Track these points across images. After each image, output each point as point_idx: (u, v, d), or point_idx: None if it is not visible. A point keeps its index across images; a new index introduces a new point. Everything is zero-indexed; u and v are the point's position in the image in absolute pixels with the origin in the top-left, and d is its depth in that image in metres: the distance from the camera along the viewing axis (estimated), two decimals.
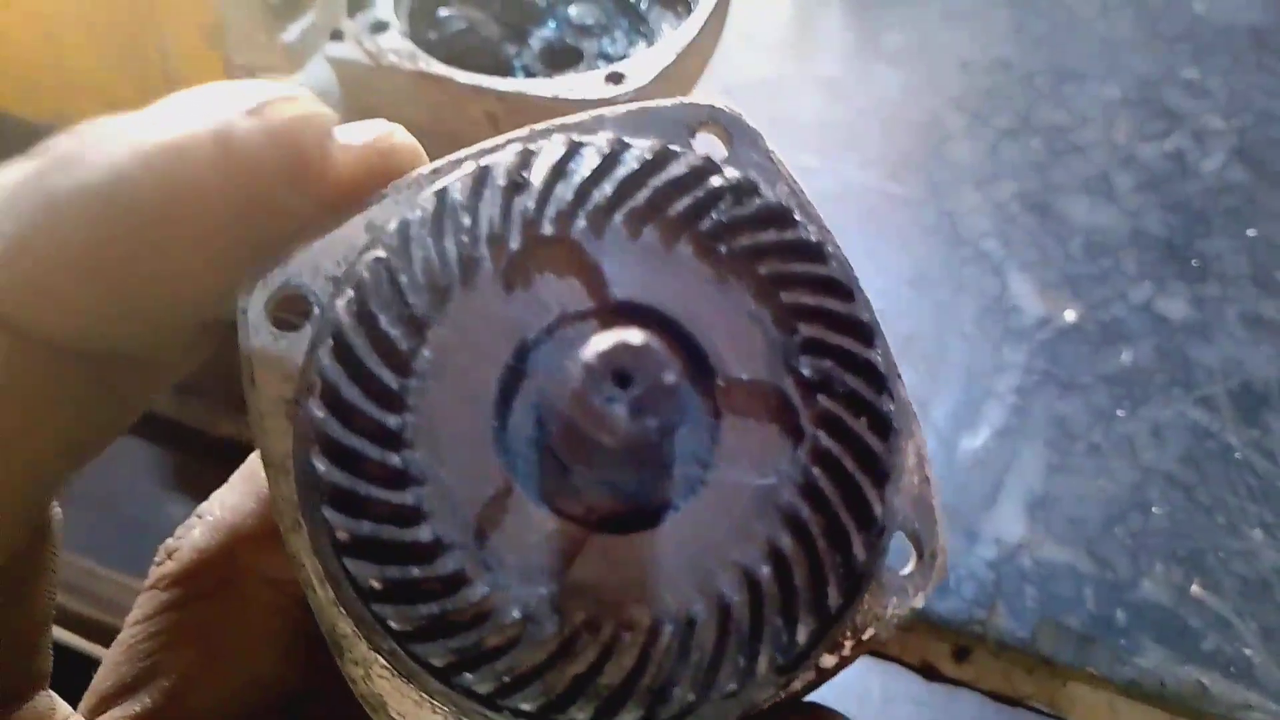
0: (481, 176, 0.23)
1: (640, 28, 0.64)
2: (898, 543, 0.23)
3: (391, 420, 0.21)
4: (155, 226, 0.19)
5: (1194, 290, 0.72)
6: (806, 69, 0.90)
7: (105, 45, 0.58)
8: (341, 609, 0.21)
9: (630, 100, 0.55)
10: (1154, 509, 0.60)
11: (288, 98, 0.21)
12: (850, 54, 0.91)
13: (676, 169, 0.24)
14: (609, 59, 0.61)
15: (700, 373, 0.23)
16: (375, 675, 0.21)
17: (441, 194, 0.23)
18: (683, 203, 0.23)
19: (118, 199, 0.19)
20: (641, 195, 0.23)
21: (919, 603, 0.23)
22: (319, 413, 0.21)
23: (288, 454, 0.22)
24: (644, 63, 0.55)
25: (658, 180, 0.23)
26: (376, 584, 0.21)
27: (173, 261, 0.20)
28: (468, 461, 0.22)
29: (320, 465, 0.21)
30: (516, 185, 0.23)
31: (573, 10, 0.64)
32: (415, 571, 0.21)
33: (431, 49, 0.56)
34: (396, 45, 0.54)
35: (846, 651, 0.23)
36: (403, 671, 0.21)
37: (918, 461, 0.24)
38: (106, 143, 0.19)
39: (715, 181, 0.24)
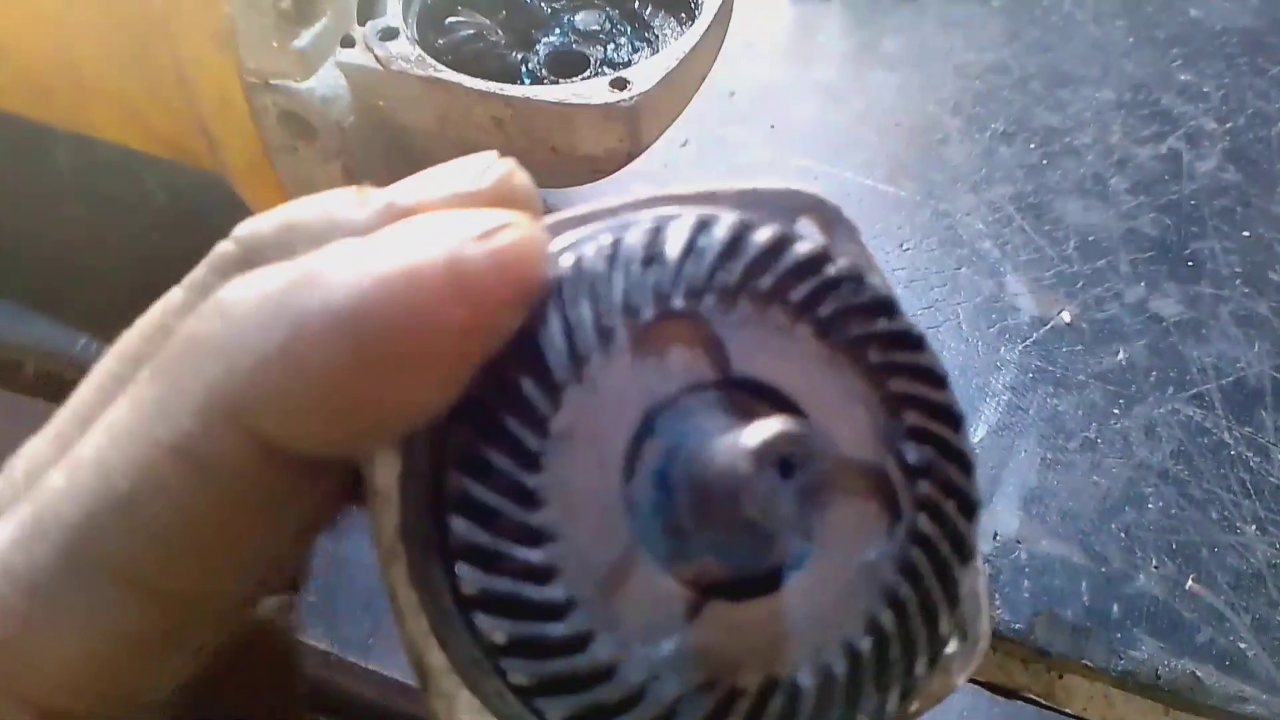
0: (616, 247, 0.24)
1: (644, 34, 0.65)
2: None
3: (529, 480, 0.22)
4: (392, 349, 0.20)
5: (1188, 290, 0.73)
6: (806, 74, 0.91)
7: (117, 50, 0.58)
8: (435, 640, 0.22)
9: (634, 102, 0.56)
10: (1148, 504, 0.61)
11: (511, 224, 0.22)
12: (848, 60, 0.93)
13: (797, 254, 0.25)
14: (614, 65, 0.62)
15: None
16: (460, 710, 0.22)
17: (578, 263, 0.24)
18: (803, 288, 0.25)
19: (360, 322, 0.20)
20: (766, 278, 0.24)
21: (960, 681, 0.24)
22: (455, 477, 0.22)
23: (393, 484, 0.23)
24: (648, 69, 0.56)
25: (780, 264, 0.25)
26: (502, 639, 0.21)
27: (407, 382, 0.21)
28: (598, 522, 0.22)
29: (456, 523, 0.22)
30: (650, 259, 0.24)
31: (579, 18, 0.65)
32: (546, 629, 0.21)
33: (439, 55, 0.57)
34: (406, 52, 0.55)
35: None
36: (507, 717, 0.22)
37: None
38: (347, 265, 0.20)
39: (831, 270, 0.25)
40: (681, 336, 0.24)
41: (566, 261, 0.24)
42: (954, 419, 0.25)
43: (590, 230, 0.25)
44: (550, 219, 0.26)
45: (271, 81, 0.52)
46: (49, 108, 0.68)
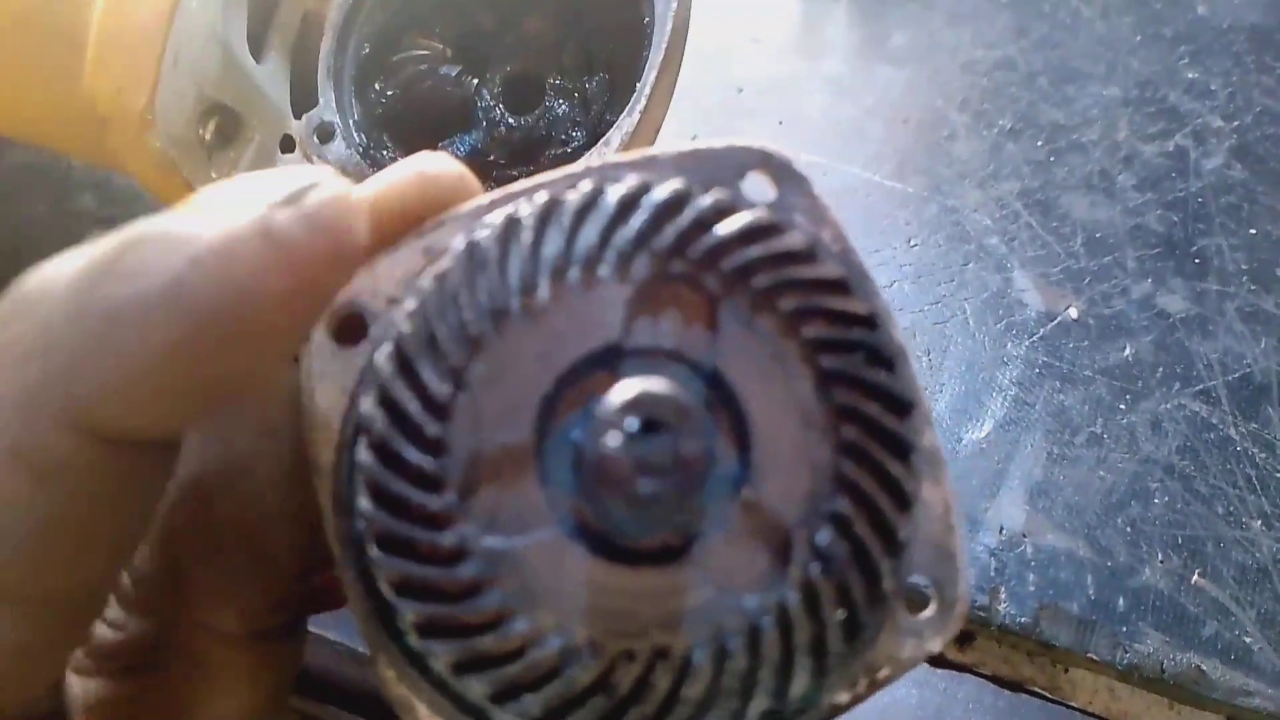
0: (511, 223, 0.24)
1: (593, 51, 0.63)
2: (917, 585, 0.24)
3: (430, 463, 0.22)
4: (216, 326, 0.20)
5: (1194, 286, 0.73)
6: (813, 69, 0.91)
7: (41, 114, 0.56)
8: (379, 624, 0.23)
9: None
10: (1154, 499, 0.61)
11: (315, 183, 0.22)
12: (856, 55, 0.93)
13: (694, 211, 0.24)
14: (566, 92, 0.60)
15: (728, 405, 0.24)
16: (405, 674, 0.22)
17: (472, 245, 0.24)
18: (702, 244, 0.24)
19: (179, 305, 0.19)
20: (662, 238, 0.24)
21: (935, 647, 0.24)
22: (363, 456, 0.22)
23: (332, 465, 0.24)
24: (619, 128, 0.53)
25: (676, 223, 0.24)
26: (418, 620, 0.21)
27: (235, 355, 0.20)
28: (503, 480, 0.22)
29: (364, 504, 0.22)
30: (538, 235, 0.24)
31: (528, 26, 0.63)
32: (458, 610, 0.21)
33: (389, 105, 0.55)
34: (343, 156, 0.54)
35: (861, 689, 0.24)
36: (445, 697, 0.22)
37: (944, 511, 0.25)
38: (157, 247, 0.20)
39: (732, 224, 0.24)
40: (578, 306, 0.23)
41: (461, 240, 0.24)
42: (865, 320, 0.24)
43: (520, 204, 0.25)
44: (493, 193, 0.26)
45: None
46: None
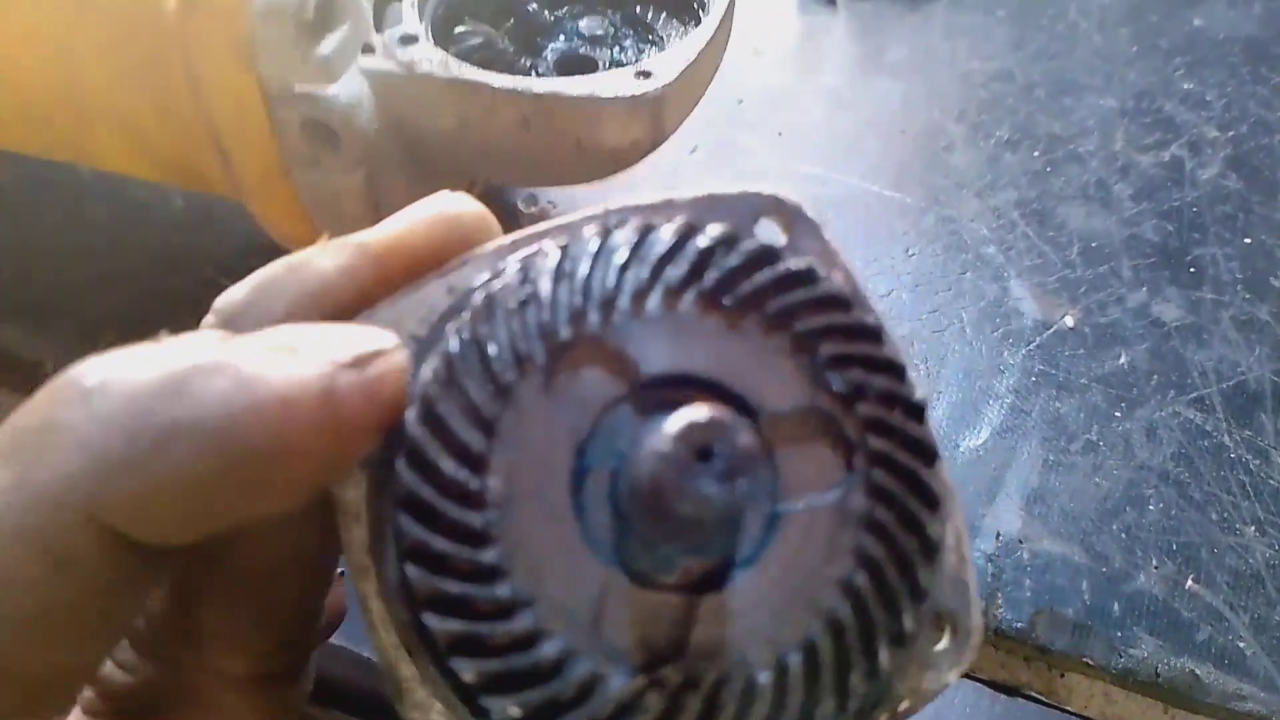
0: (527, 268, 0.24)
1: (649, 36, 0.67)
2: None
3: (469, 480, 0.22)
4: (256, 471, 0.21)
5: (1189, 295, 0.74)
6: (812, 81, 0.92)
7: (125, 70, 0.55)
8: (405, 652, 0.23)
9: (659, 92, 0.57)
10: (1149, 505, 0.62)
11: (383, 351, 0.22)
12: (854, 67, 0.94)
13: (696, 245, 0.25)
14: (621, 66, 0.64)
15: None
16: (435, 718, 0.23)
17: (490, 298, 0.24)
18: (711, 274, 0.24)
19: (228, 442, 0.20)
20: (670, 273, 0.24)
21: (952, 678, 0.25)
22: (405, 475, 0.22)
23: (361, 501, 0.24)
24: (668, 62, 0.57)
25: (679, 258, 0.25)
26: (449, 638, 0.22)
27: (261, 496, 0.21)
28: (546, 531, 0.22)
29: (402, 522, 0.22)
30: (526, 297, 0.24)
31: (582, 23, 0.66)
32: (492, 627, 0.22)
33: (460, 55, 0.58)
34: (429, 54, 0.56)
35: None
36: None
37: (956, 542, 0.25)
38: (225, 382, 0.20)
39: (733, 253, 0.24)
40: (584, 360, 0.23)
41: (480, 291, 0.24)
42: (910, 405, 0.25)
43: (523, 253, 0.25)
44: (516, 234, 0.26)
45: (295, 90, 0.53)
46: (48, 138, 0.64)
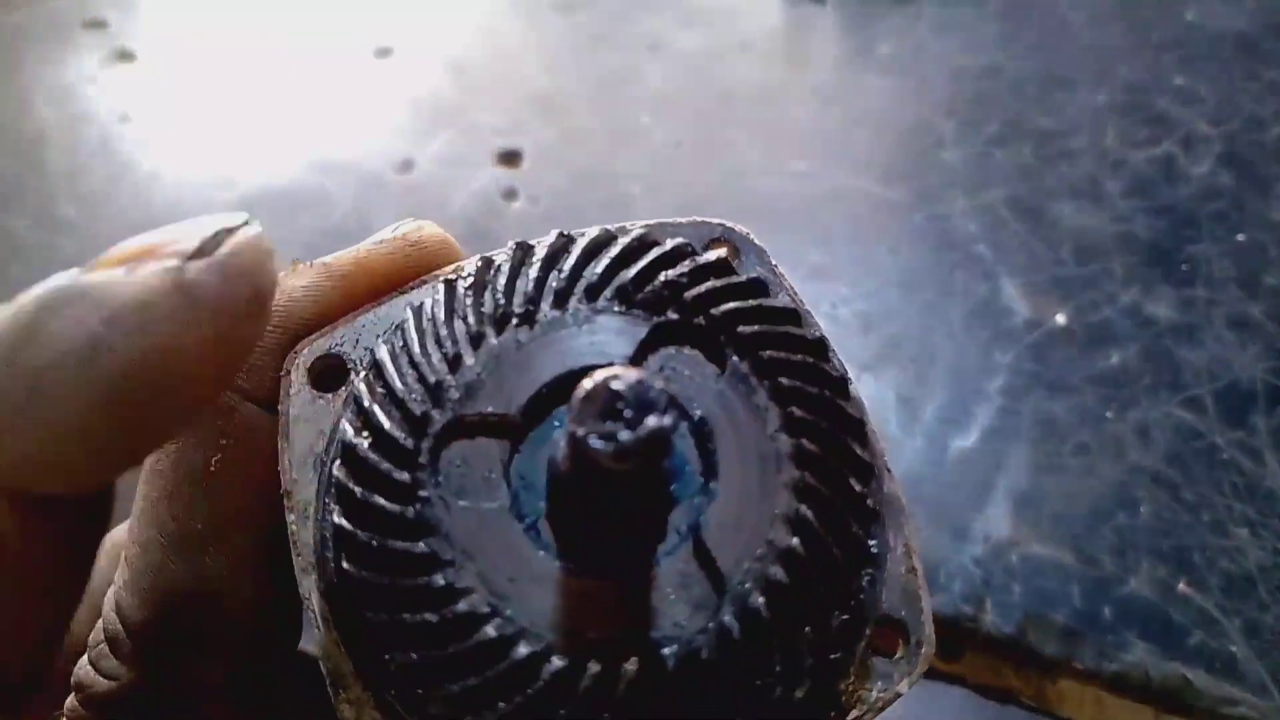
0: (450, 289, 0.26)
1: None
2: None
3: (402, 476, 0.23)
4: (136, 384, 0.20)
5: (1181, 293, 0.73)
6: (800, 77, 0.91)
7: None
8: (344, 650, 0.23)
9: None
10: (1141, 507, 0.61)
11: (225, 227, 0.22)
12: (843, 62, 0.93)
13: (618, 249, 0.26)
14: None
15: (701, 439, 0.25)
16: (366, 715, 0.23)
17: (419, 309, 0.26)
18: (624, 275, 0.26)
19: (98, 365, 0.19)
20: (596, 275, 0.26)
21: (904, 689, 0.25)
22: (340, 474, 0.23)
23: (310, 502, 0.25)
24: None
25: (597, 262, 0.26)
26: (381, 627, 0.22)
27: (158, 408, 0.20)
28: (476, 513, 0.23)
29: (337, 518, 0.23)
30: (480, 287, 0.26)
31: None
32: (429, 616, 0.22)
33: None
34: None
35: None
36: (405, 709, 0.22)
37: (906, 553, 0.26)
38: (74, 309, 0.20)
39: (656, 252, 0.26)
40: (561, 336, 0.25)
41: (425, 297, 0.26)
42: (840, 384, 0.25)
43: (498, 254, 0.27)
44: (475, 257, 0.27)
45: None
46: None
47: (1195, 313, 0.72)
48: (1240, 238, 0.77)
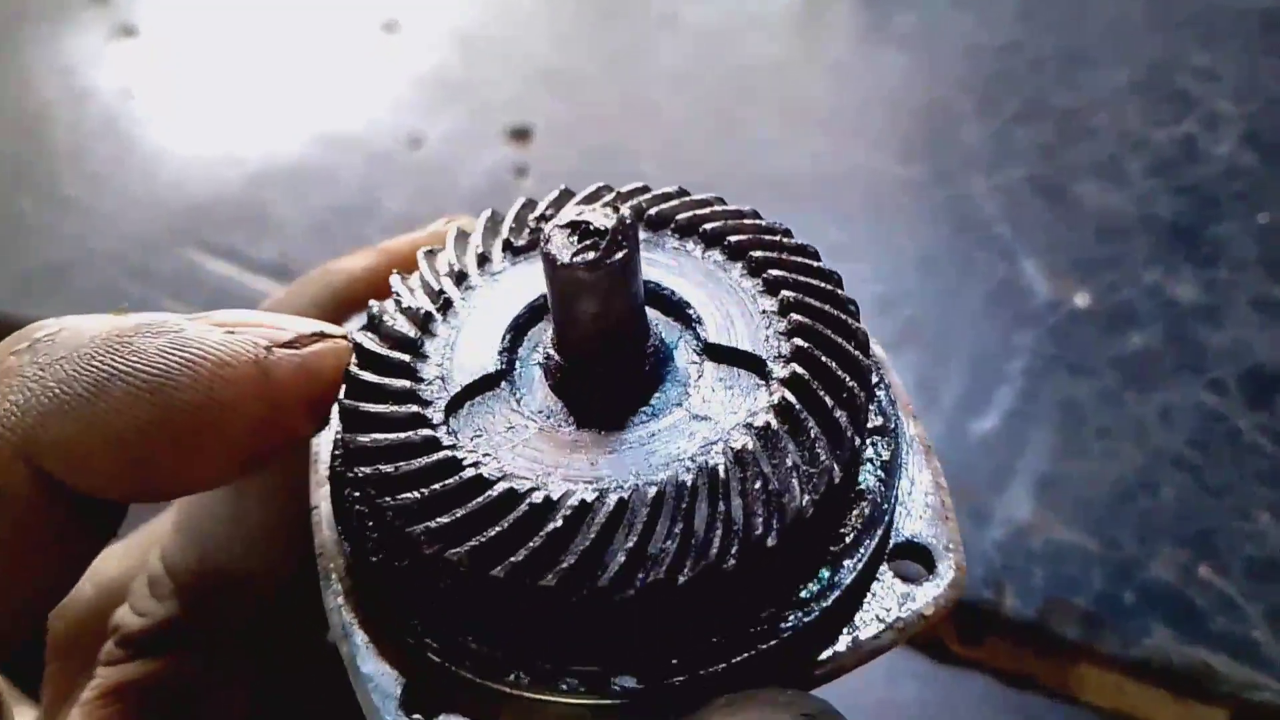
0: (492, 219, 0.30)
1: None
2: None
3: (413, 331, 0.26)
4: (188, 427, 0.22)
5: (1204, 274, 0.72)
6: (815, 52, 0.89)
7: None
8: (341, 535, 0.25)
9: None
10: (1162, 491, 0.60)
11: (324, 334, 0.25)
12: (859, 38, 0.91)
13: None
14: None
15: (688, 328, 0.27)
16: (350, 606, 0.25)
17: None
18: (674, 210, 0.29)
19: (162, 398, 0.22)
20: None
21: (928, 611, 0.25)
22: (356, 342, 0.25)
23: (326, 446, 0.27)
24: None
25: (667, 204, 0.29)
26: (378, 474, 0.23)
27: (194, 456, 0.23)
28: (472, 354, 0.26)
29: (346, 402, 0.25)
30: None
31: None
32: (420, 461, 0.24)
33: None
34: None
35: (841, 648, 0.24)
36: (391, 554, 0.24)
37: (935, 486, 0.27)
38: (167, 340, 0.23)
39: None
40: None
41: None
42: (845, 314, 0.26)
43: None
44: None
45: None
46: None
47: (1218, 294, 0.70)
48: (1262, 218, 0.76)
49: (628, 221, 0.24)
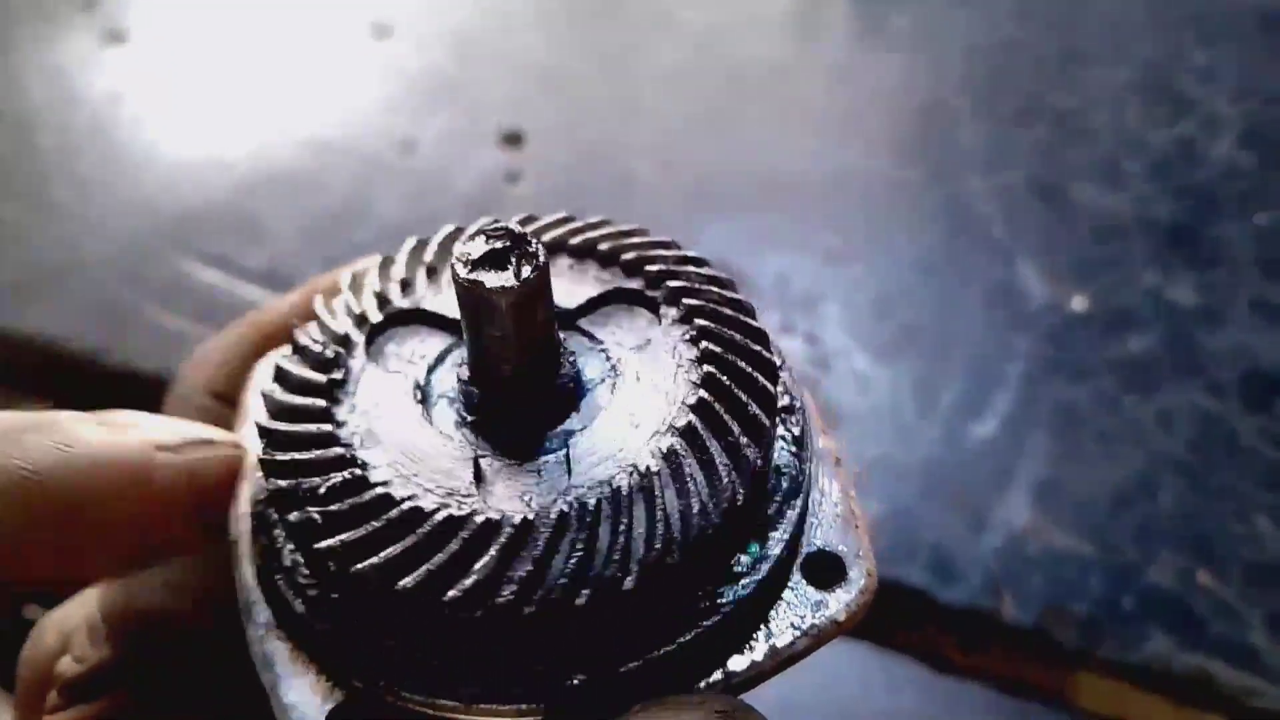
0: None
1: None
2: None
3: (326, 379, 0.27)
4: (59, 521, 0.23)
5: (1203, 277, 0.71)
6: (811, 52, 0.89)
7: None
8: (257, 572, 0.25)
9: None
10: (1161, 495, 0.60)
11: (209, 441, 0.26)
12: (855, 37, 0.91)
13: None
14: None
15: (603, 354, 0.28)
16: (271, 638, 0.25)
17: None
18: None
19: (36, 489, 0.23)
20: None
21: (840, 617, 0.25)
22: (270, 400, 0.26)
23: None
24: None
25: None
26: (291, 488, 0.24)
27: (69, 548, 0.24)
28: (387, 380, 0.27)
29: (266, 432, 0.25)
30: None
31: None
32: (335, 478, 0.24)
33: None
34: None
35: (758, 656, 0.24)
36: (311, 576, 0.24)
37: (844, 496, 0.28)
38: (55, 435, 0.24)
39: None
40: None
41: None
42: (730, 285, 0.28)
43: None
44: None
45: None
46: None
47: (1217, 296, 0.70)
48: (1261, 219, 0.75)
49: (535, 244, 0.24)
